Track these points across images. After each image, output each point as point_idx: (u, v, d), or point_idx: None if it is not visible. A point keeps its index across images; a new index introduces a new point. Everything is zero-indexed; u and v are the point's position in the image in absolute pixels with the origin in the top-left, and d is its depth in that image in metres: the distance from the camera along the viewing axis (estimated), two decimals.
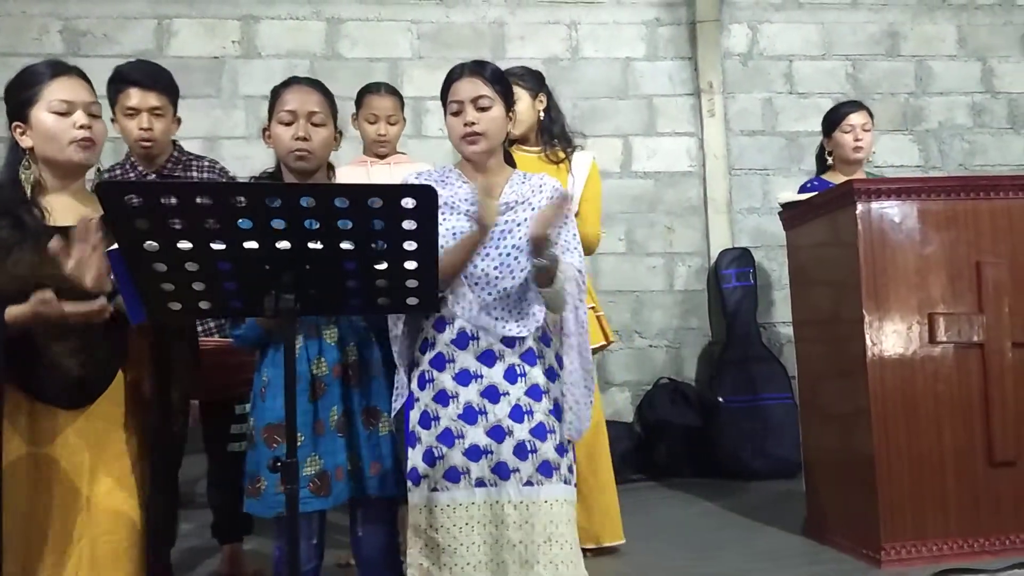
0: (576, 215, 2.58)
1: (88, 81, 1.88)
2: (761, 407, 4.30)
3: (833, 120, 3.41)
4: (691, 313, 4.73)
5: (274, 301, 1.46)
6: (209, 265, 1.48)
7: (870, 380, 2.65)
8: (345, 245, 1.47)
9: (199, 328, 2.59)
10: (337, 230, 1.44)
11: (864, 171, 3.49)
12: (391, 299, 1.59)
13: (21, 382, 1.77)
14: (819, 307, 3.04)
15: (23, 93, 1.81)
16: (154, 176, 2.66)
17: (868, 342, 2.66)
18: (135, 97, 2.58)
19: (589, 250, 2.82)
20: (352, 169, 2.96)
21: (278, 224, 1.42)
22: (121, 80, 2.61)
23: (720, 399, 4.34)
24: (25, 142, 1.82)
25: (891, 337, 2.68)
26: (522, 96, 2.84)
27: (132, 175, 2.67)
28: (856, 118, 3.34)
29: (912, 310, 2.69)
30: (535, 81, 2.99)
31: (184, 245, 1.44)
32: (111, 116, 2.64)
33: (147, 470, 1.88)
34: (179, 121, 2.74)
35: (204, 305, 1.55)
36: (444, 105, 2.00)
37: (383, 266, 1.52)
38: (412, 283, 1.55)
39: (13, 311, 1.67)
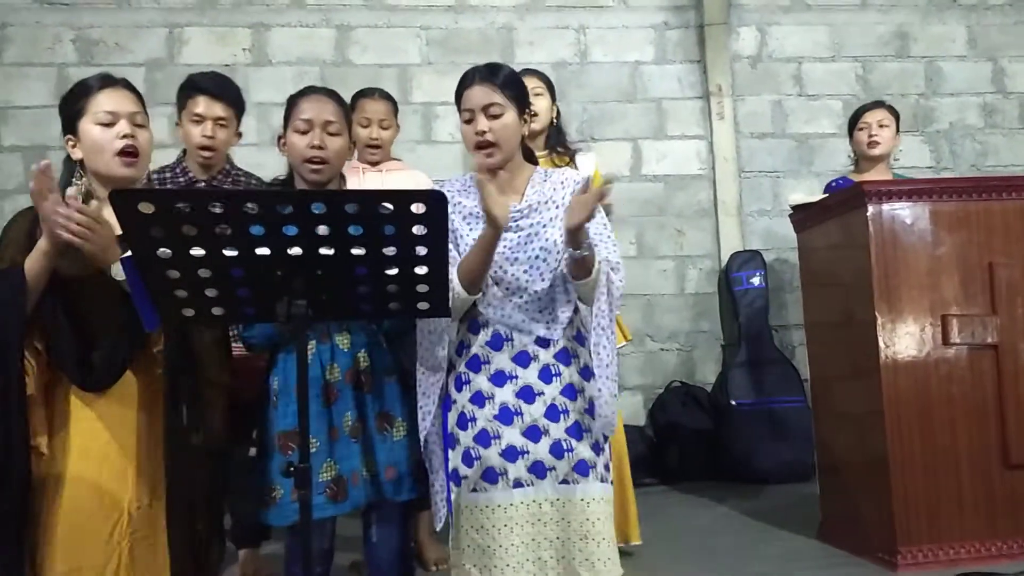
0: None
1: (135, 92, 1.89)
2: (773, 410, 4.29)
3: (852, 121, 3.52)
4: (702, 316, 4.72)
5: (286, 307, 1.47)
6: (222, 271, 1.49)
7: (883, 382, 2.64)
8: (356, 251, 1.47)
9: None
10: (348, 236, 1.45)
11: (892, 172, 3.49)
12: (402, 304, 1.60)
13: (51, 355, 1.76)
14: (831, 309, 3.03)
15: (72, 106, 1.84)
16: (203, 185, 2.69)
17: (881, 344, 2.65)
18: (202, 104, 2.66)
19: None
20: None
21: (290, 230, 1.43)
22: (191, 87, 2.69)
23: (732, 402, 4.32)
24: (75, 154, 1.85)
25: (904, 339, 2.67)
26: (545, 94, 2.96)
27: (182, 180, 2.71)
28: (870, 116, 3.42)
29: (925, 312, 2.68)
30: (552, 88, 3.06)
31: (197, 252, 1.45)
32: (176, 121, 2.76)
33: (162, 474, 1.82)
34: (240, 135, 2.81)
35: (217, 311, 1.56)
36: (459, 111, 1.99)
37: (394, 271, 1.53)
38: (423, 288, 1.56)
39: (31, 259, 1.69)
